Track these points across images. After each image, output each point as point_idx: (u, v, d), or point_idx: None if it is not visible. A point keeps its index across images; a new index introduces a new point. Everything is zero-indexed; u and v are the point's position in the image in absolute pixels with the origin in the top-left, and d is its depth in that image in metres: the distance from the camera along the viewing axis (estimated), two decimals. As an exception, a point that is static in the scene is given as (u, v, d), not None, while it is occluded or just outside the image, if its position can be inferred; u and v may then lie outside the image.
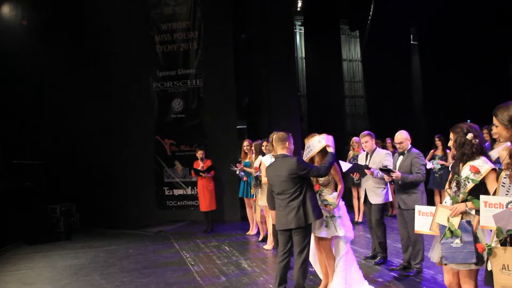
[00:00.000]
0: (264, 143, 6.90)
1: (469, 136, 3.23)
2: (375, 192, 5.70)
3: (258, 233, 7.90)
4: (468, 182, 3.18)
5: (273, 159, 5.60)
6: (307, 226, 4.28)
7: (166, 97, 10.01)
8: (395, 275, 5.32)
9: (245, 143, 7.99)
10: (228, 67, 9.87)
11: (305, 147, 4.68)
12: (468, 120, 3.86)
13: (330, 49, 12.59)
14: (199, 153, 8.58)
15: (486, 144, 6.89)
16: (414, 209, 5.15)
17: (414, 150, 5.37)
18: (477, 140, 3.23)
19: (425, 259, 5.37)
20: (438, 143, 8.73)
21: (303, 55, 13.55)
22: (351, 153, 8.83)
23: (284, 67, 10.34)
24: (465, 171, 3.23)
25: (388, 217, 8.47)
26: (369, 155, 5.88)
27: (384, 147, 9.11)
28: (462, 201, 3.20)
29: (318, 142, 4.50)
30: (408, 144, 5.36)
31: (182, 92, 9.96)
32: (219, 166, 8.85)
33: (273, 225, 5.55)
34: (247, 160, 7.91)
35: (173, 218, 9.83)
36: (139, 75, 9.97)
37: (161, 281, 5.54)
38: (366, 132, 5.97)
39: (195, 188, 9.49)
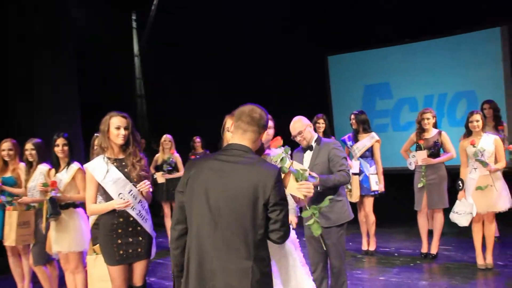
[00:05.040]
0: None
1: None
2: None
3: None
4: None
5: (111, 165, 3.05)
6: None
7: None
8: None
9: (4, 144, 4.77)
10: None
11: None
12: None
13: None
14: None
15: (348, 135, 5.96)
16: (339, 226, 3.62)
17: (326, 140, 3.78)
18: None
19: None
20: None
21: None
22: (159, 156, 6.90)
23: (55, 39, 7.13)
24: None
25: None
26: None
27: (193, 147, 7.39)
28: None
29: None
30: (312, 133, 3.69)
31: None
32: None
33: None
34: (8, 175, 4.75)
35: None
36: None
37: None
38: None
39: None
